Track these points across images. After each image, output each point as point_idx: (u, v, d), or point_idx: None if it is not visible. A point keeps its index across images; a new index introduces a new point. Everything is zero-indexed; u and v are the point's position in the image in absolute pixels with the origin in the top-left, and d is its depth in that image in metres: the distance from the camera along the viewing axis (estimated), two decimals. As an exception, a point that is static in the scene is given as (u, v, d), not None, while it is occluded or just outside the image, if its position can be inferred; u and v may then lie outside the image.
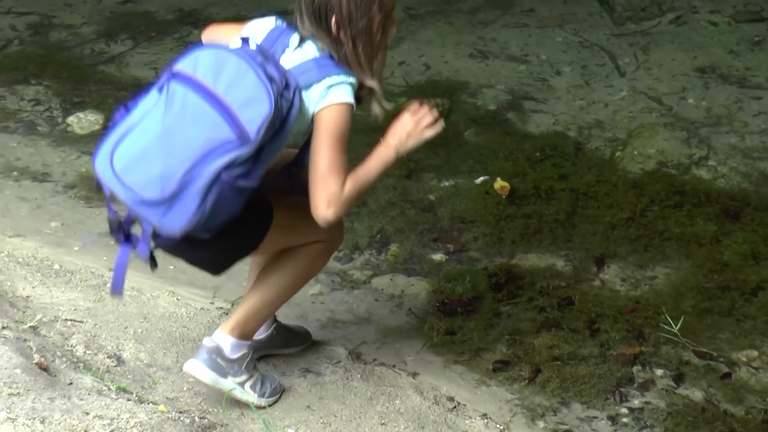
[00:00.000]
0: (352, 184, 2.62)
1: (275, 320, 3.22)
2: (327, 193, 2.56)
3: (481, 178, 4.52)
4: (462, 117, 5.15)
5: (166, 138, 2.49)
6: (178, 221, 2.46)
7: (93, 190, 4.37)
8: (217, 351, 2.88)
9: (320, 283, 3.90)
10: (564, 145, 4.81)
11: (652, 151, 4.72)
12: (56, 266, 3.94)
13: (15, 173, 4.67)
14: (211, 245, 2.68)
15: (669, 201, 4.27)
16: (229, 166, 2.46)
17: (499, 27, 6.15)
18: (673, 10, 6.10)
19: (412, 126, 2.68)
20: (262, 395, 2.96)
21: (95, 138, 4.79)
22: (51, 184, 4.57)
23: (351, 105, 2.60)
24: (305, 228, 2.86)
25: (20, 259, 3.96)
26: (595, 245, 4.01)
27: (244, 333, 2.95)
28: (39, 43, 5.97)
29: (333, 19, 2.54)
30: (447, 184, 4.59)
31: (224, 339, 2.93)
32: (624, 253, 3.99)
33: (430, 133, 2.70)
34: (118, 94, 5.22)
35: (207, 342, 2.90)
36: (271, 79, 2.44)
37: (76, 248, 4.08)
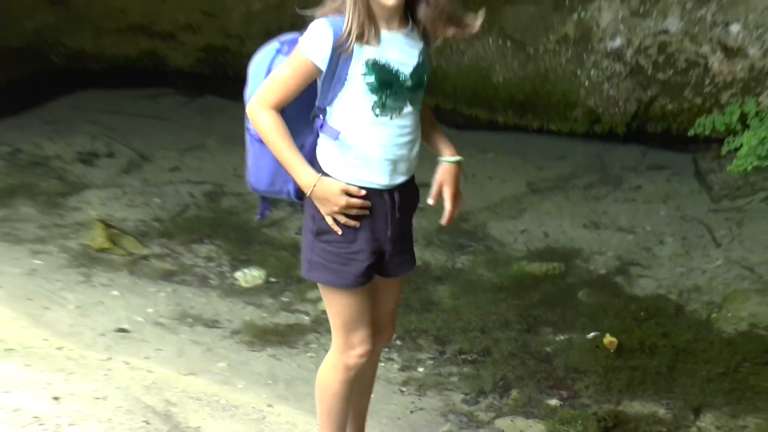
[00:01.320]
0: (268, 121, 2.70)
1: None
2: (259, 95, 2.64)
3: (592, 334, 4.77)
4: (576, 279, 5.43)
5: None
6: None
7: (256, 335, 5.01)
8: None
9: (450, 422, 4.13)
10: (666, 307, 5.09)
11: (745, 314, 4.99)
12: (222, 401, 4.16)
13: (189, 320, 5.04)
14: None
15: (760, 359, 4.53)
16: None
17: (609, 201, 6.51)
18: (765, 190, 6.45)
19: (336, 201, 2.65)
20: None
21: (258, 291, 5.37)
22: (220, 330, 4.88)
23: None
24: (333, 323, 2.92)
25: (192, 395, 4.19)
26: (693, 396, 4.22)
27: None
28: (212, 209, 6.42)
29: None
30: (562, 338, 4.82)
31: None
32: (719, 404, 4.18)
33: (335, 214, 2.67)
34: (278, 254, 5.67)
35: None
36: None
37: (240, 386, 4.36)
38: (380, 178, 2.65)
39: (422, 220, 5.69)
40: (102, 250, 5.83)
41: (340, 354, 2.92)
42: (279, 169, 2.77)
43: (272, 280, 5.52)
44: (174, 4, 7.58)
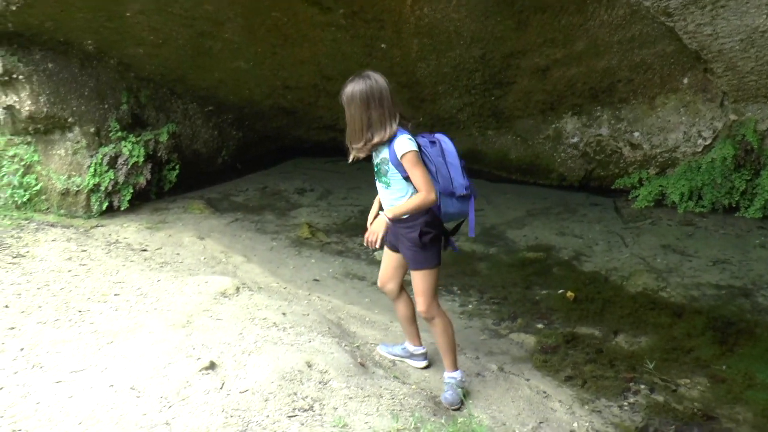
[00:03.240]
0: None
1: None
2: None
3: (560, 291, 6.28)
4: (552, 261, 6.87)
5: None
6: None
7: None
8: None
9: (485, 334, 5.59)
10: (599, 278, 6.52)
11: (640, 282, 6.41)
12: (366, 318, 5.74)
13: (350, 276, 6.64)
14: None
15: (648, 306, 5.96)
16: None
17: (569, 221, 7.99)
18: (650, 218, 7.93)
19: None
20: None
21: None
22: (365, 282, 6.53)
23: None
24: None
25: (351, 314, 5.80)
26: (613, 325, 5.62)
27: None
28: (363, 218, 6.94)
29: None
30: (544, 292, 6.26)
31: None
32: (627, 330, 5.59)
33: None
34: None
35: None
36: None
37: (376, 311, 5.90)
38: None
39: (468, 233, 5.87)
40: (306, 238, 7.65)
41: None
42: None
43: None
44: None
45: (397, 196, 4.26)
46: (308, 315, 5.25)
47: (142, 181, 8.13)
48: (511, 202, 8.57)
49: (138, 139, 8.20)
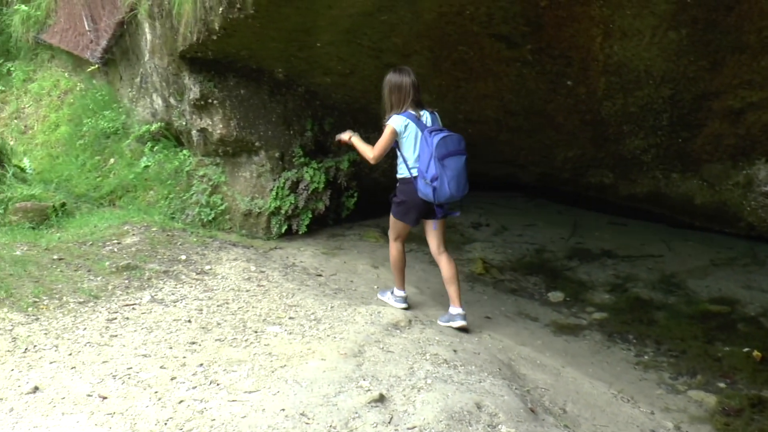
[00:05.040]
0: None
1: None
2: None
3: (746, 349, 6.15)
4: (736, 317, 6.63)
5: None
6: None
7: (557, 327, 6.42)
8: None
9: (661, 389, 5.57)
10: None
11: None
12: (537, 361, 5.71)
13: (523, 315, 6.67)
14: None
15: None
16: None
17: (758, 274, 7.63)
18: None
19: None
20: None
21: (559, 304, 7.09)
22: (538, 323, 6.61)
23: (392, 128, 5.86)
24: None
25: (522, 356, 5.78)
26: None
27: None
28: (537, 257, 8.16)
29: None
30: (727, 349, 6.12)
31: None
32: None
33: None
34: (572, 285, 7.46)
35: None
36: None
37: (547, 354, 5.88)
38: None
39: (652, 283, 7.25)
40: (480, 274, 7.77)
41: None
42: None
43: (567, 299, 7.26)
44: (528, 150, 8.40)
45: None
46: (479, 354, 5.32)
47: (321, 206, 8.35)
48: (693, 249, 8.41)
49: (320, 165, 8.43)
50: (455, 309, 5.95)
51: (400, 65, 6.10)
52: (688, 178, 8.31)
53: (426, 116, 5.96)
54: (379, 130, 6.01)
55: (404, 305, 6.24)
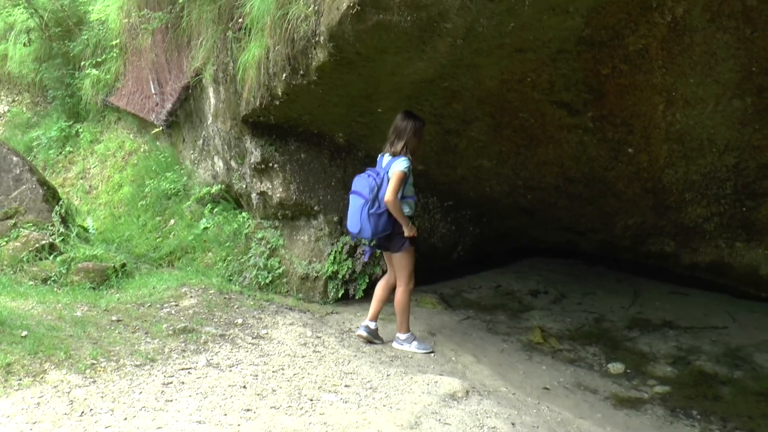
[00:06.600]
0: (395, 205, 6.53)
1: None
2: (390, 193, 6.41)
3: None
4: None
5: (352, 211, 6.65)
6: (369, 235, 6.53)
7: (617, 400, 6.23)
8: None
9: None
10: None
11: None
12: (575, 425, 5.76)
13: (582, 387, 6.50)
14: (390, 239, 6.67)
15: None
16: (368, 208, 6.49)
17: None
18: None
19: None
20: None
21: (620, 376, 6.84)
22: (598, 395, 6.42)
23: (403, 172, 6.51)
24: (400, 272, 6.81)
25: (580, 429, 5.72)
26: None
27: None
28: (596, 327, 8.14)
29: (401, 142, 6.53)
30: None
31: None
32: None
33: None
34: (632, 357, 7.21)
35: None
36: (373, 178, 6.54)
37: (608, 428, 5.78)
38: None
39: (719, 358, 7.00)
40: (538, 343, 7.60)
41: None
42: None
43: (628, 371, 7.06)
44: (587, 217, 8.42)
45: None
46: (537, 427, 5.23)
47: (378, 271, 8.31)
48: (759, 321, 8.04)
49: (377, 230, 8.29)
50: (372, 323, 6.97)
51: (410, 111, 6.67)
52: (753, 248, 8.06)
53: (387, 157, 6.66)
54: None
55: (430, 349, 6.91)
